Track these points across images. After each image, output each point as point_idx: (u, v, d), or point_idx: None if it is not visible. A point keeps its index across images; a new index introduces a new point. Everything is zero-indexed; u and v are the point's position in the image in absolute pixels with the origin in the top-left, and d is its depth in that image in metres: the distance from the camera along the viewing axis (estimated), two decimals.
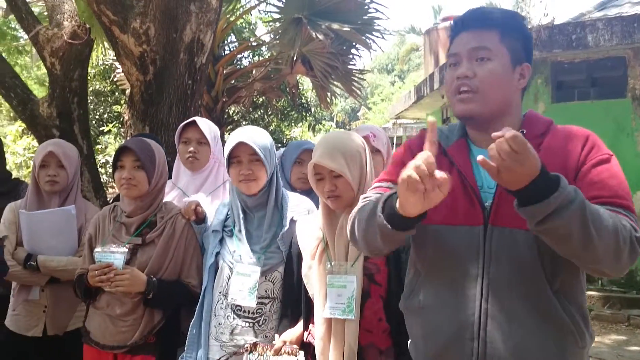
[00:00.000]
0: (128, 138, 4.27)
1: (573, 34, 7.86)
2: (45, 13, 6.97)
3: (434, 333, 1.67)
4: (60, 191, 3.00)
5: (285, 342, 2.27)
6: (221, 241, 2.55)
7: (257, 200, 2.50)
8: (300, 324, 2.31)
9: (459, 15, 1.79)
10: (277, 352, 2.22)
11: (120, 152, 2.60)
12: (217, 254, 2.53)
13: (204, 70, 4.52)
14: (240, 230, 2.51)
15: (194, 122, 3.06)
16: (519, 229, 1.58)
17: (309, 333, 2.26)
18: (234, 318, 2.42)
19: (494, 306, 1.61)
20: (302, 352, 2.23)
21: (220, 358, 2.42)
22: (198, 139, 3.04)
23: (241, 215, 2.51)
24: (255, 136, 2.46)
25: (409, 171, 1.40)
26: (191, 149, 3.02)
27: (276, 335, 2.32)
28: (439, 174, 1.39)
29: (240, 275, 2.42)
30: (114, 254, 2.48)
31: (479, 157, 1.37)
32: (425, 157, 1.40)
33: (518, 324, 1.60)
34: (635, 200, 1.80)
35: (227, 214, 2.59)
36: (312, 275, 2.24)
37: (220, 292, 2.48)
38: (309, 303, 2.26)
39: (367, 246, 1.74)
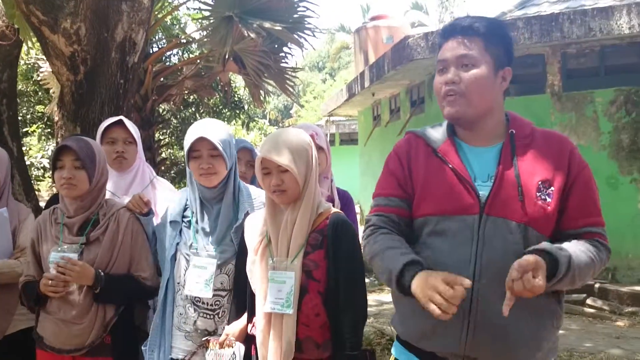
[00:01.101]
0: (59, 139, 4.19)
1: None
2: None
3: (426, 311, 1.77)
4: None
5: (228, 335, 2.33)
6: (180, 232, 2.56)
7: (215, 192, 2.52)
8: (245, 316, 2.37)
9: (447, 24, 1.98)
10: (222, 345, 2.28)
11: (60, 151, 2.54)
12: (177, 244, 2.54)
13: (136, 69, 4.49)
14: (197, 222, 2.53)
15: (119, 121, 3.02)
16: (510, 220, 1.78)
17: (253, 325, 2.31)
18: (194, 310, 2.46)
19: (485, 288, 1.77)
20: (238, 343, 2.30)
21: (184, 357, 2.47)
22: (125, 139, 3.00)
23: (199, 208, 2.53)
24: (215, 130, 2.47)
25: (431, 306, 1.63)
26: (119, 148, 2.98)
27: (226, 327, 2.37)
28: (457, 292, 1.61)
29: (196, 267, 2.45)
30: (67, 254, 2.46)
31: (505, 310, 1.64)
32: (448, 295, 1.61)
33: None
34: None
35: (186, 205, 2.60)
36: (254, 270, 2.29)
37: (178, 283, 2.51)
38: (253, 296, 2.31)
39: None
